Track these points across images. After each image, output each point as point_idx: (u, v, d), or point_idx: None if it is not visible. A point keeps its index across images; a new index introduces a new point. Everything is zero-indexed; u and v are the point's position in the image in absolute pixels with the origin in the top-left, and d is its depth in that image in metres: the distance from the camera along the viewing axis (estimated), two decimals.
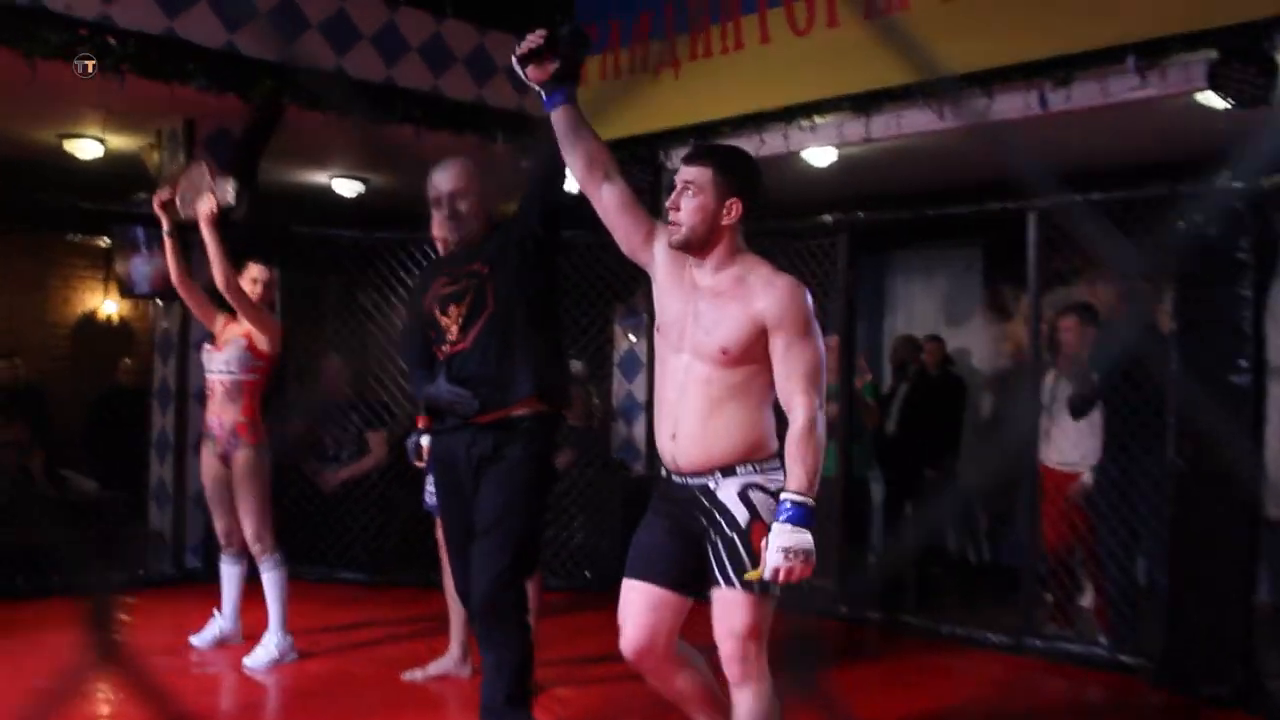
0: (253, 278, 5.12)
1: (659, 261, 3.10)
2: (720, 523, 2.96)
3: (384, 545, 7.19)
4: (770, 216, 7.60)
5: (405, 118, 7.22)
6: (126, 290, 7.89)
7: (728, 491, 2.97)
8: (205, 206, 4.79)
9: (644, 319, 8.06)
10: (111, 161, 8.18)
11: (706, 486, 2.99)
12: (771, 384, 2.98)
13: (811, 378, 2.93)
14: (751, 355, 2.95)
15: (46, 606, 5.85)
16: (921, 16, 6.01)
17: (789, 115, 6.74)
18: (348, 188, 9.17)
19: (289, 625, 5.07)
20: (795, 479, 2.85)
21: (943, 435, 7.96)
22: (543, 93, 3.12)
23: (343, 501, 7.16)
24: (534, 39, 3.05)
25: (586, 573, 7.23)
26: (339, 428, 7.43)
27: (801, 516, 2.81)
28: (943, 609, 6.66)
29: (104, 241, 9.34)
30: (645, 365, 8.01)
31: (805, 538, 2.80)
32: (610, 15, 7.61)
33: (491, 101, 7.69)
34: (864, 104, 6.40)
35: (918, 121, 6.32)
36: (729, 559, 2.94)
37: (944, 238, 8.72)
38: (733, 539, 2.93)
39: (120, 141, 7.95)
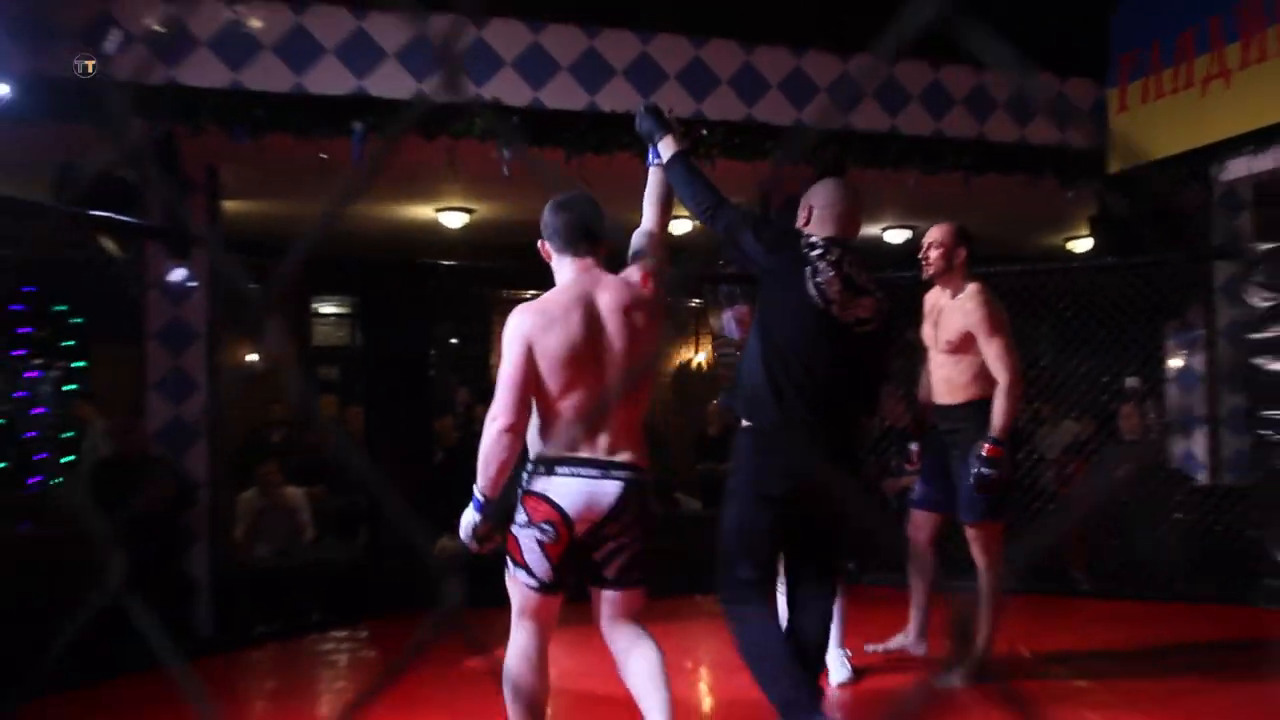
0: None
1: None
2: None
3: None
4: None
5: (955, 166, 7.01)
6: (719, 337, 8.28)
7: None
8: None
9: (1200, 334, 7.26)
10: (705, 234, 8.68)
11: None
12: (542, 401, 3.03)
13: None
14: None
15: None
16: None
17: None
18: (898, 236, 9.15)
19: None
20: None
21: None
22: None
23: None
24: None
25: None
26: (900, 446, 7.37)
27: (474, 505, 2.97)
28: None
29: (694, 302, 9.94)
30: (1203, 380, 7.21)
31: (468, 518, 2.97)
32: (1151, 36, 6.95)
33: (1034, 140, 7.28)
34: None
35: None
36: None
37: None
38: None
39: None
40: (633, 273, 3.17)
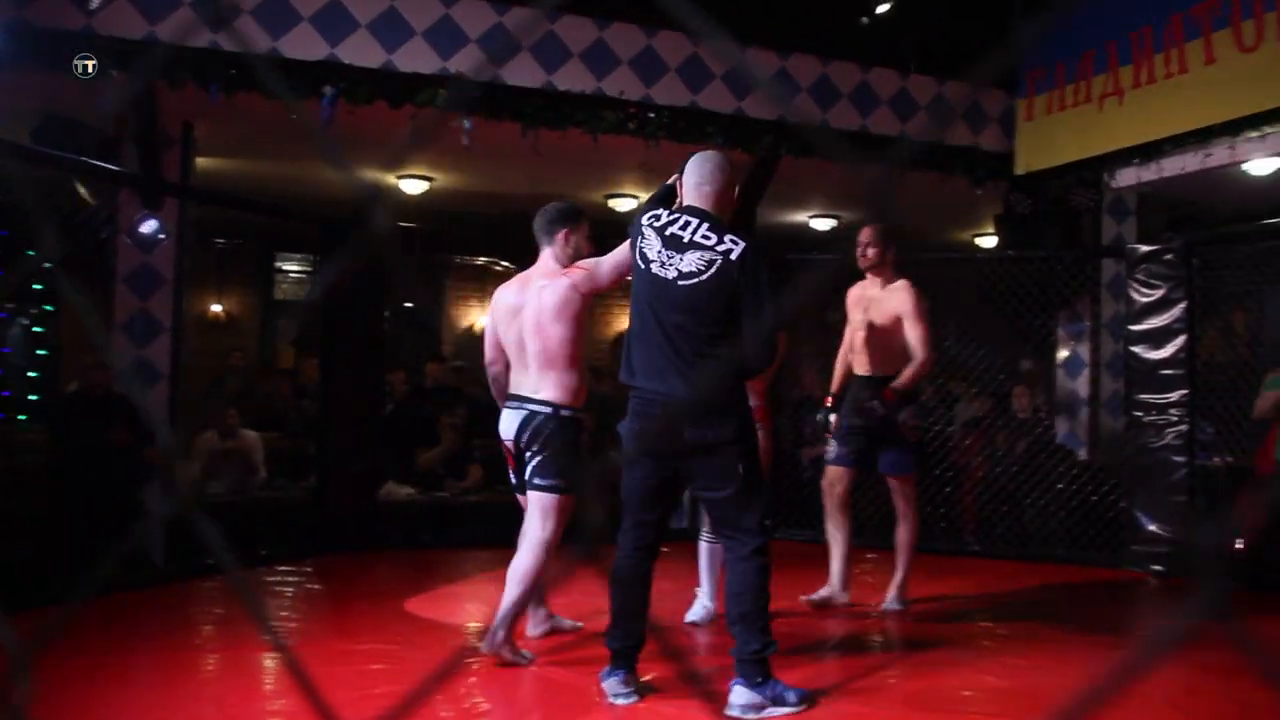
0: None
1: None
2: None
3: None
4: (1218, 224, 6.94)
5: (878, 160, 7.14)
6: None
7: None
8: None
9: (1086, 325, 7.51)
10: None
11: None
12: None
13: None
14: None
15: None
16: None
17: (1235, 128, 6.01)
18: (823, 224, 9.27)
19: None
20: None
21: None
22: None
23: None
24: None
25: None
26: (812, 415, 7.52)
27: None
28: None
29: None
30: (1088, 365, 7.47)
31: None
32: (1055, 57, 7.17)
33: (949, 141, 7.47)
34: None
35: None
36: None
37: None
38: None
39: None
40: (576, 269, 3.86)
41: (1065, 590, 5.80)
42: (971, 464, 7.19)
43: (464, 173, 8.21)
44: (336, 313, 6.89)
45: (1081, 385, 7.55)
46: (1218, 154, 6.24)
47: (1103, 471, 6.77)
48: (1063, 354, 7.66)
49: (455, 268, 10.86)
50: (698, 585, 4.68)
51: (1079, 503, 6.73)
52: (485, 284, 11.03)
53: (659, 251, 3.34)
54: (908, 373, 4.66)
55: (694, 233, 3.33)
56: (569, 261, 3.89)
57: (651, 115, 6.45)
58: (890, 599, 4.95)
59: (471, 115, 6.11)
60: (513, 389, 3.89)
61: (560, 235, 3.89)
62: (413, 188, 8.57)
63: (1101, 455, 7.25)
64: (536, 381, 3.79)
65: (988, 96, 7.56)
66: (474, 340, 11.03)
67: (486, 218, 9.66)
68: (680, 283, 3.29)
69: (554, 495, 3.78)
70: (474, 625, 4.06)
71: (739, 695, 3.30)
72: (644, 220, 3.43)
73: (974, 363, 7.13)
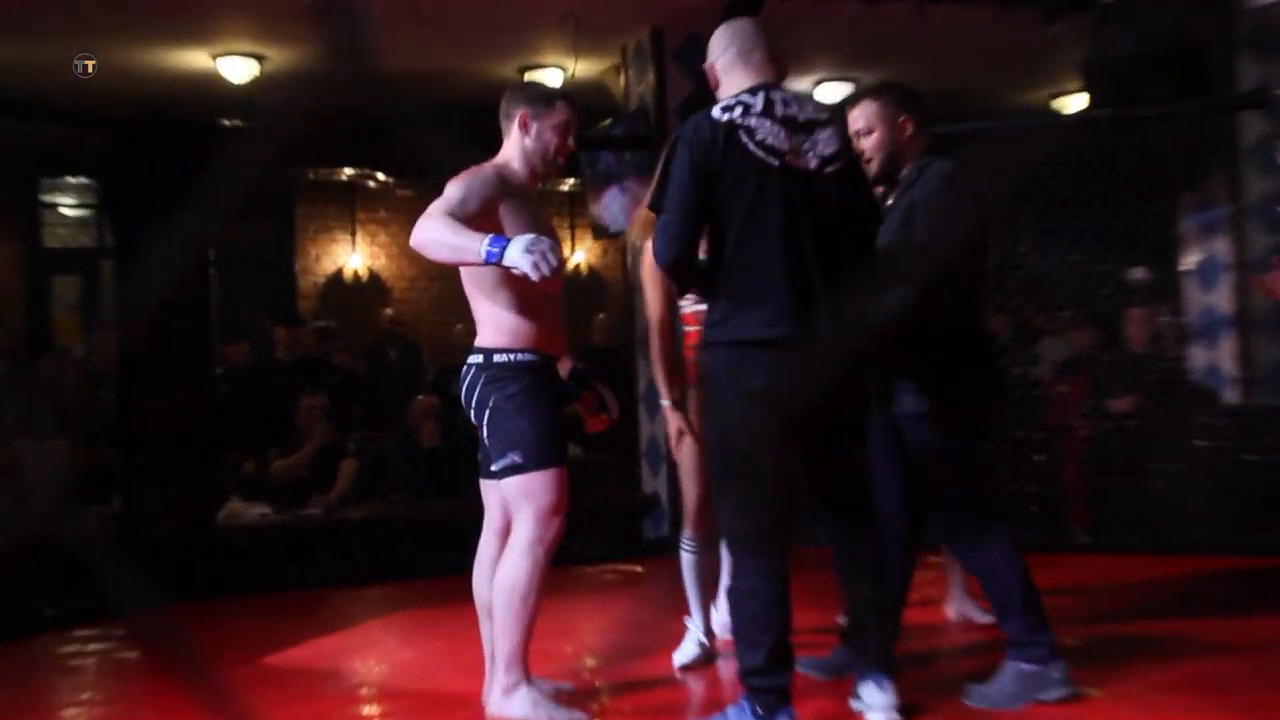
0: None
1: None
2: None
3: None
4: None
5: None
6: (600, 232, 8.12)
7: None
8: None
9: (1223, 213, 7.46)
10: (575, 91, 8.56)
11: None
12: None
13: None
14: None
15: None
16: None
17: None
18: (835, 91, 9.15)
19: None
20: None
21: None
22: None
23: None
24: None
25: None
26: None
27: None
28: None
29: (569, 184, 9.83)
30: (1229, 269, 7.43)
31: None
32: None
33: None
34: None
35: None
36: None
37: None
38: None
39: (584, 68, 8.27)
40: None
41: (1219, 590, 5.74)
42: (1072, 422, 7.18)
43: (309, 46, 7.96)
44: (136, 262, 6.68)
45: (1222, 299, 7.50)
46: None
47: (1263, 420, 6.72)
48: (1192, 256, 7.62)
49: (309, 187, 10.62)
50: (686, 615, 4.69)
51: (1230, 466, 6.68)
52: (355, 207, 10.78)
53: (785, 139, 3.49)
54: None
55: (801, 109, 3.57)
56: (534, 156, 3.98)
57: None
58: (969, 607, 5.10)
59: None
60: None
61: (519, 117, 3.93)
62: (236, 72, 8.34)
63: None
64: (477, 322, 3.98)
65: None
66: (344, 289, 10.81)
67: (352, 114, 9.42)
68: (827, 169, 3.54)
69: (516, 477, 3.85)
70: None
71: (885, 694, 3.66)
72: (725, 115, 3.48)
73: (1062, 277, 7.06)
